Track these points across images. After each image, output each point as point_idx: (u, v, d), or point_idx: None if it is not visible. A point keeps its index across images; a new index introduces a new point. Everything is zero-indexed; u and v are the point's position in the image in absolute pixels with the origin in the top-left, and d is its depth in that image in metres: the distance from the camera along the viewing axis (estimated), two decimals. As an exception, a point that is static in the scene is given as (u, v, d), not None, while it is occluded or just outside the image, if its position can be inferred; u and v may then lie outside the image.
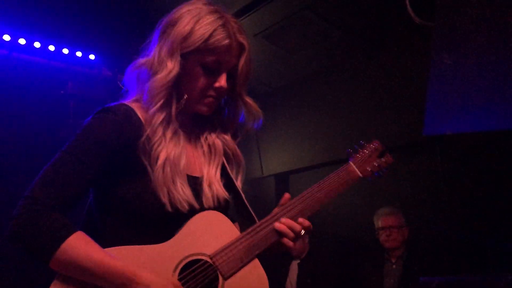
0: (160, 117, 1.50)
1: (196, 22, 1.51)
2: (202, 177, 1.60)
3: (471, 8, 2.47)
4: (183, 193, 1.48)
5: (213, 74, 1.55)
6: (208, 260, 1.47)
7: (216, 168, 1.65)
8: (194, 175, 1.59)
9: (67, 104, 4.53)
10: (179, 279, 1.41)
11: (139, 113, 1.52)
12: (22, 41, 4.31)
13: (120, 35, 4.58)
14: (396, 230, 4.05)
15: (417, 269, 3.80)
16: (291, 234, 1.58)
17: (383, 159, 1.84)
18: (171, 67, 1.50)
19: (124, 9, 4.39)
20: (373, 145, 1.85)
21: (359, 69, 4.92)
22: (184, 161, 1.53)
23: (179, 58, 1.51)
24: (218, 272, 1.46)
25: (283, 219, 1.59)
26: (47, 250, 1.30)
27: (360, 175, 1.77)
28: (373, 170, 1.81)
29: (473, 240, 3.74)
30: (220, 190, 1.61)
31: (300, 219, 1.60)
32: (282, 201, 1.65)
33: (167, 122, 1.52)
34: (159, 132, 1.50)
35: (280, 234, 1.58)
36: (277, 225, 1.58)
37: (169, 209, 1.44)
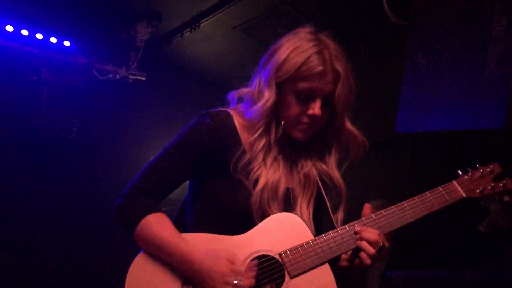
0: (261, 143, 1.60)
1: (292, 51, 1.57)
2: (295, 191, 1.67)
3: (445, 10, 2.53)
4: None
5: (307, 101, 1.58)
6: (277, 257, 1.51)
7: (309, 201, 1.67)
8: (288, 186, 1.66)
9: (40, 91, 4.44)
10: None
11: (236, 121, 1.65)
12: (-6, 24, 4.20)
13: (96, 22, 4.51)
14: None
15: (402, 262, 3.80)
16: (371, 250, 1.52)
17: (500, 184, 1.68)
18: (267, 97, 1.59)
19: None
20: (489, 167, 1.72)
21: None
22: (283, 187, 1.61)
23: (274, 88, 1.58)
24: (285, 269, 1.49)
25: (366, 233, 1.53)
26: (131, 225, 1.54)
27: (464, 195, 1.67)
28: (486, 193, 1.67)
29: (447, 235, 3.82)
30: (309, 224, 1.62)
31: (381, 237, 1.54)
32: (363, 211, 1.62)
33: (267, 148, 1.61)
34: (260, 157, 1.60)
35: (359, 249, 1.53)
36: (358, 242, 1.53)
37: (256, 223, 1.55)
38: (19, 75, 4.39)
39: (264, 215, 1.55)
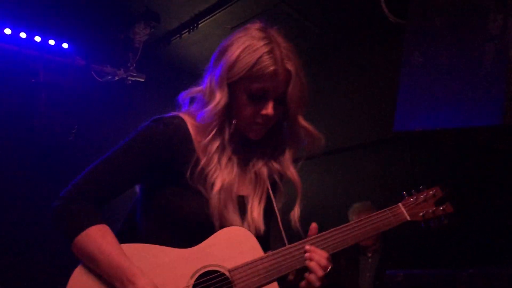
0: (215, 145, 1.56)
1: (242, 50, 1.52)
2: (248, 197, 1.65)
3: (442, 9, 2.53)
4: (232, 218, 1.56)
5: (260, 101, 1.55)
6: (226, 273, 1.49)
7: (260, 198, 1.66)
8: (241, 194, 1.64)
9: (39, 93, 4.45)
10: (194, 285, 1.45)
11: (190, 126, 1.60)
12: (-8, 27, 4.21)
13: (94, 24, 4.52)
14: None
15: (393, 262, 3.83)
16: (320, 273, 1.52)
17: (441, 208, 1.74)
18: (219, 98, 1.53)
19: (99, -2, 4.32)
20: (431, 191, 1.77)
21: (332, 65, 4.96)
22: (236, 186, 1.60)
23: (226, 89, 1.54)
24: (233, 286, 1.48)
25: (316, 256, 1.53)
26: (70, 234, 1.45)
27: (409, 218, 1.71)
28: (427, 217, 1.72)
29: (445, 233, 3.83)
30: (259, 221, 1.62)
31: (329, 260, 1.55)
32: (310, 232, 1.61)
33: (221, 149, 1.58)
34: (214, 159, 1.56)
35: (309, 270, 1.52)
36: (308, 262, 1.52)
37: (217, 229, 1.53)
38: (18, 78, 4.40)
39: (221, 219, 1.53)
